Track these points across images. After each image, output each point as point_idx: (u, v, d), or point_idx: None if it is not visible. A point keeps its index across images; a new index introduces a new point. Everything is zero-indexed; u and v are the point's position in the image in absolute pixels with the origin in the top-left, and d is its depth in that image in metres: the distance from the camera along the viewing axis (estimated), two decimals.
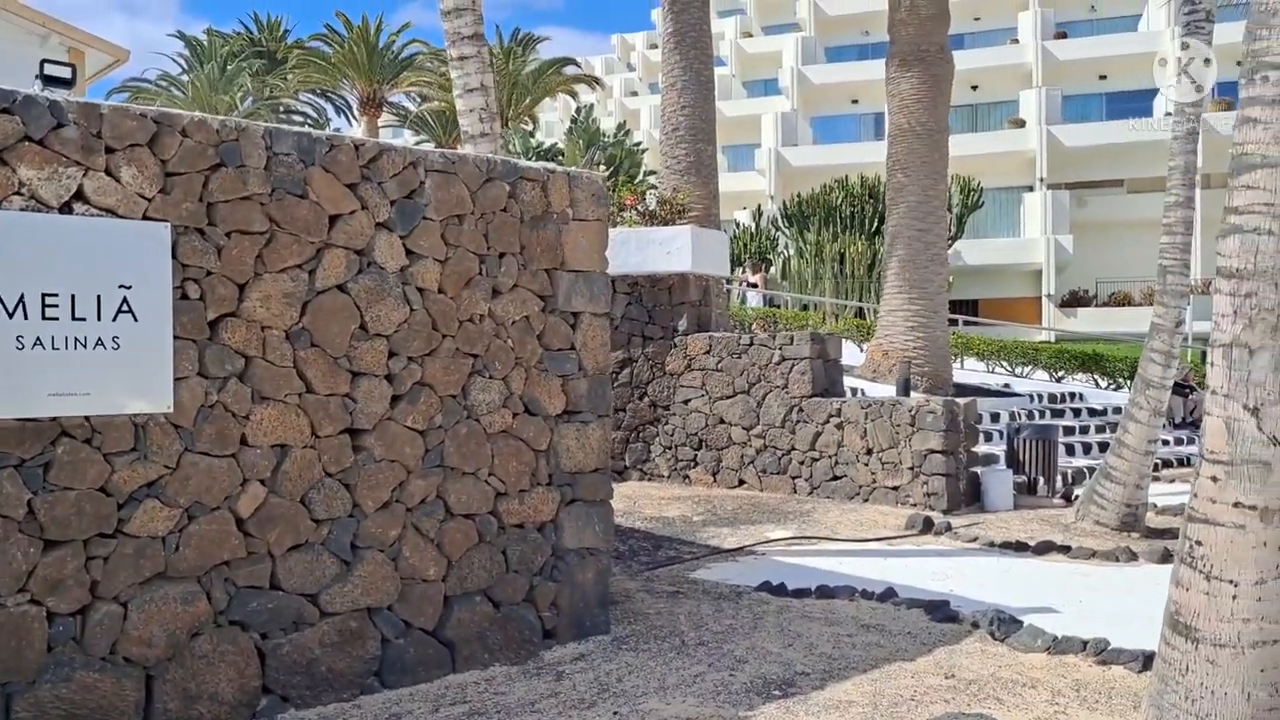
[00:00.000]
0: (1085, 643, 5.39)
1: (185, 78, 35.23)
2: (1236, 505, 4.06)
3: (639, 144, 31.99)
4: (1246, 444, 4.02)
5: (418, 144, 37.24)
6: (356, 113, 34.58)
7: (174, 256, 4.21)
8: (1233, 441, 4.04)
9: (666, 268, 11.73)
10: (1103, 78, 34.78)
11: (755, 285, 26.68)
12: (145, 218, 4.15)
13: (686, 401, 11.82)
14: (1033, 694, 4.80)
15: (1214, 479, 4.12)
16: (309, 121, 36.52)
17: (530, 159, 23.23)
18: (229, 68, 34.60)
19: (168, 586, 4.20)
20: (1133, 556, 7.96)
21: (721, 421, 11.60)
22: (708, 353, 11.69)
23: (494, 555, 5.26)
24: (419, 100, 35.44)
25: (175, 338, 4.21)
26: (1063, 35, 36.11)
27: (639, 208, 12.51)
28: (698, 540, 8.79)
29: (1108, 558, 7.99)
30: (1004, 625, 5.74)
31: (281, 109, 35.76)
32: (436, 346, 5.04)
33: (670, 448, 11.92)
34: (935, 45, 15.11)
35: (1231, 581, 4.07)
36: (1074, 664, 5.25)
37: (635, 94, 49.16)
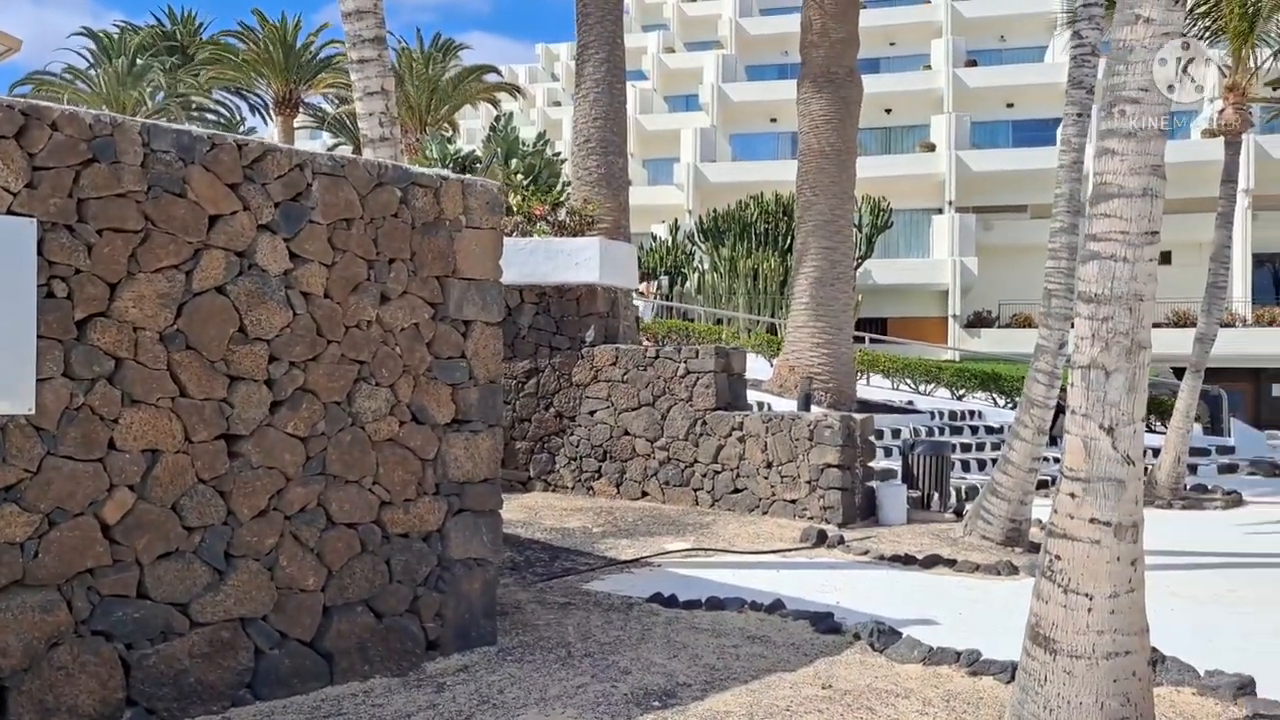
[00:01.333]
0: (959, 654, 5.54)
1: (93, 72, 34.10)
2: (1093, 521, 4.23)
3: (559, 154, 31.84)
4: (1102, 462, 4.19)
5: (334, 146, 36.68)
6: (272, 113, 33.86)
7: (40, 253, 4.08)
8: (1090, 460, 4.21)
9: (575, 279, 11.74)
10: (1010, 105, 35.94)
11: (643, 295, 26.95)
12: (10, 212, 4.02)
13: (592, 413, 11.84)
14: (905, 704, 4.91)
15: (1072, 495, 4.29)
16: (221, 120, 35.65)
17: (448, 165, 23.03)
18: (139, 62, 33.60)
19: (25, 594, 4.05)
20: (1014, 570, 8.21)
21: (626, 433, 11.64)
22: (614, 364, 11.73)
23: (377, 565, 5.20)
24: (337, 103, 34.88)
25: (39, 337, 4.07)
26: (973, 63, 37.22)
27: (549, 218, 12.50)
28: (596, 551, 8.79)
29: (990, 571, 8.23)
30: (884, 637, 5.86)
31: (193, 106, 34.85)
32: (321, 352, 4.96)
33: (575, 459, 11.91)
34: (845, 68, 15.46)
35: (1087, 595, 4.23)
36: (947, 675, 5.38)
37: (558, 104, 49.14)
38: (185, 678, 4.46)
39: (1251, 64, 13.34)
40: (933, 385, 20.13)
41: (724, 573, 8.10)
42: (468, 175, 5.61)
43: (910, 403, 18.72)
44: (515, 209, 12.86)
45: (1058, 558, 4.33)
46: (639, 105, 42.12)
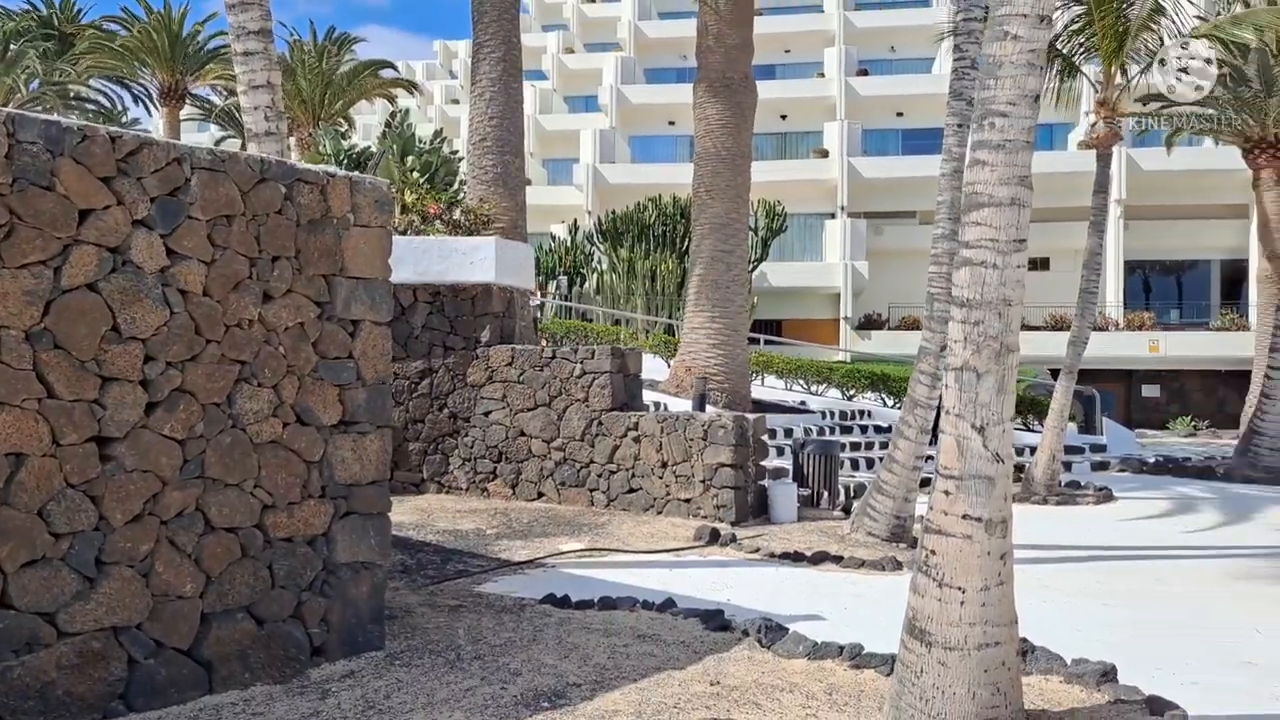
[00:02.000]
0: (842, 648, 5.69)
1: None
2: (965, 517, 4.40)
3: (456, 152, 31.55)
4: (974, 460, 4.36)
5: (222, 140, 35.54)
6: (157, 104, 32.63)
7: None
8: (962, 458, 4.38)
9: (470, 278, 11.65)
10: (900, 114, 36.98)
11: (542, 294, 27.02)
12: None
13: (487, 413, 11.76)
14: (789, 698, 5.03)
15: (946, 493, 4.45)
16: (101, 111, 34.17)
17: (342, 161, 22.55)
18: (12, 48, 31.96)
19: None
20: (898, 565, 8.46)
21: (522, 434, 11.59)
22: (510, 365, 11.67)
23: (259, 570, 5.07)
24: (226, 94, 33.79)
25: None
26: (864, 72, 38.17)
27: (444, 217, 12.37)
28: (489, 553, 8.74)
29: (875, 567, 8.46)
30: (771, 633, 5.98)
31: (72, 95, 33.32)
32: (199, 352, 4.82)
33: (470, 460, 11.81)
34: (740, 74, 15.69)
35: (960, 588, 4.40)
36: (830, 668, 5.52)
37: (456, 102, 48.57)
38: (52, 690, 4.29)
39: (1120, 80, 14.02)
40: (825, 386, 20.56)
41: (618, 573, 8.15)
42: (356, 172, 5.52)
43: (803, 403, 19.10)
44: (410, 207, 12.69)
45: (933, 553, 4.49)
46: (539, 105, 41.98)
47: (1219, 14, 26.17)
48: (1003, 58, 4.05)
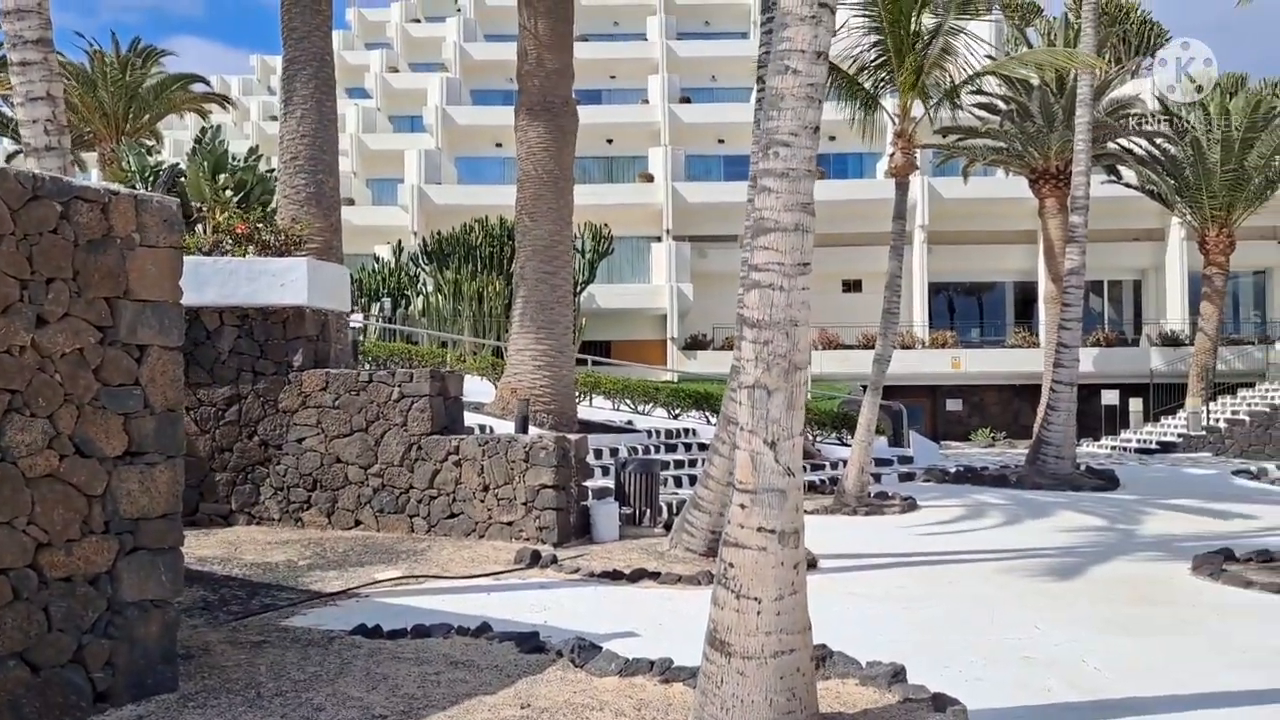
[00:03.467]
0: (653, 663, 5.79)
1: None
2: (760, 529, 4.57)
3: (273, 170, 30.45)
4: (767, 474, 4.54)
5: (14, 155, 33.05)
6: None
7: None
8: (756, 472, 4.55)
9: (281, 300, 11.25)
10: (721, 141, 38.10)
11: (364, 315, 26.49)
12: None
13: (301, 440, 11.36)
14: (599, 715, 5.07)
15: (742, 506, 4.61)
16: None
17: (147, 177, 21.36)
18: None
19: None
20: (712, 579, 8.64)
21: (338, 460, 11.26)
22: (325, 389, 11.33)
23: (33, 613, 4.74)
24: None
25: None
26: (687, 100, 39.18)
27: (254, 237, 11.90)
28: (300, 585, 8.44)
29: (691, 582, 8.65)
30: (585, 652, 6.02)
31: None
32: None
33: (282, 489, 11.37)
34: (561, 98, 15.82)
35: (756, 599, 4.56)
36: (641, 684, 5.60)
37: (274, 118, 46.90)
38: None
39: (917, 114, 14.94)
40: (651, 405, 20.87)
41: (435, 599, 8.02)
42: (142, 190, 5.27)
43: (630, 422, 19.32)
44: (221, 226, 12.16)
45: (731, 565, 4.64)
46: (362, 124, 41.07)
47: (1007, 54, 28.28)
48: (784, 90, 4.27)
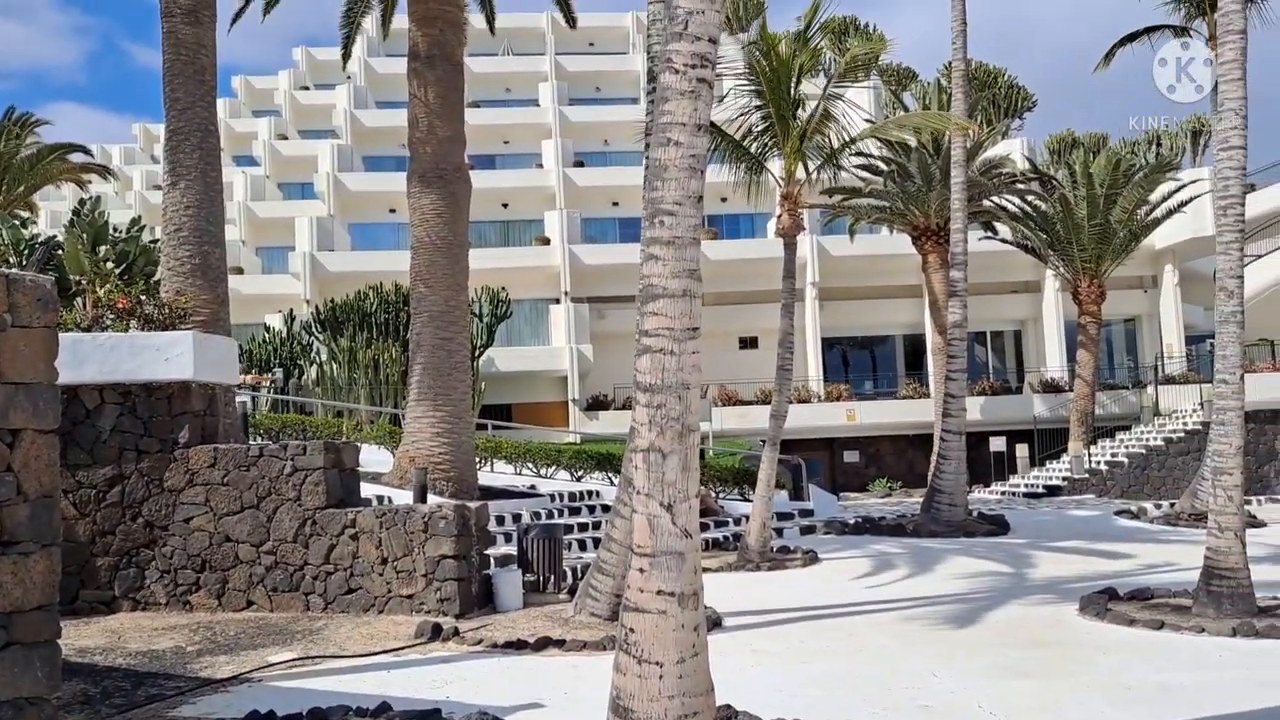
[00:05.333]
0: None
1: None
2: (659, 593, 4.60)
3: (156, 241, 29.61)
4: (665, 537, 4.58)
5: None
6: None
7: None
8: (654, 535, 4.59)
9: (165, 375, 10.90)
10: (615, 204, 38.62)
11: (256, 387, 25.80)
12: None
13: (188, 520, 10.95)
14: None
15: (641, 570, 4.63)
16: None
17: (22, 250, 20.56)
18: None
19: None
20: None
21: (228, 539, 10.88)
22: (213, 466, 10.97)
23: None
24: None
25: None
26: (580, 164, 39.68)
27: (136, 311, 11.55)
28: (189, 673, 8.08)
29: (598, 648, 8.58)
30: None
31: None
32: None
33: (169, 571, 10.91)
34: (453, 165, 15.88)
35: (658, 663, 4.57)
36: None
37: (158, 187, 45.71)
38: None
39: (801, 176, 15.44)
40: (554, 468, 20.75)
41: (332, 680, 7.78)
42: (14, 270, 5.10)
43: (532, 486, 19.17)
44: (100, 301, 11.76)
45: (632, 630, 4.64)
46: (250, 192, 40.36)
47: (886, 117, 29.52)
48: (667, 162, 4.40)
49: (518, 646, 8.71)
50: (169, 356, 10.81)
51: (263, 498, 10.86)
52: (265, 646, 9.05)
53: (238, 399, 15.07)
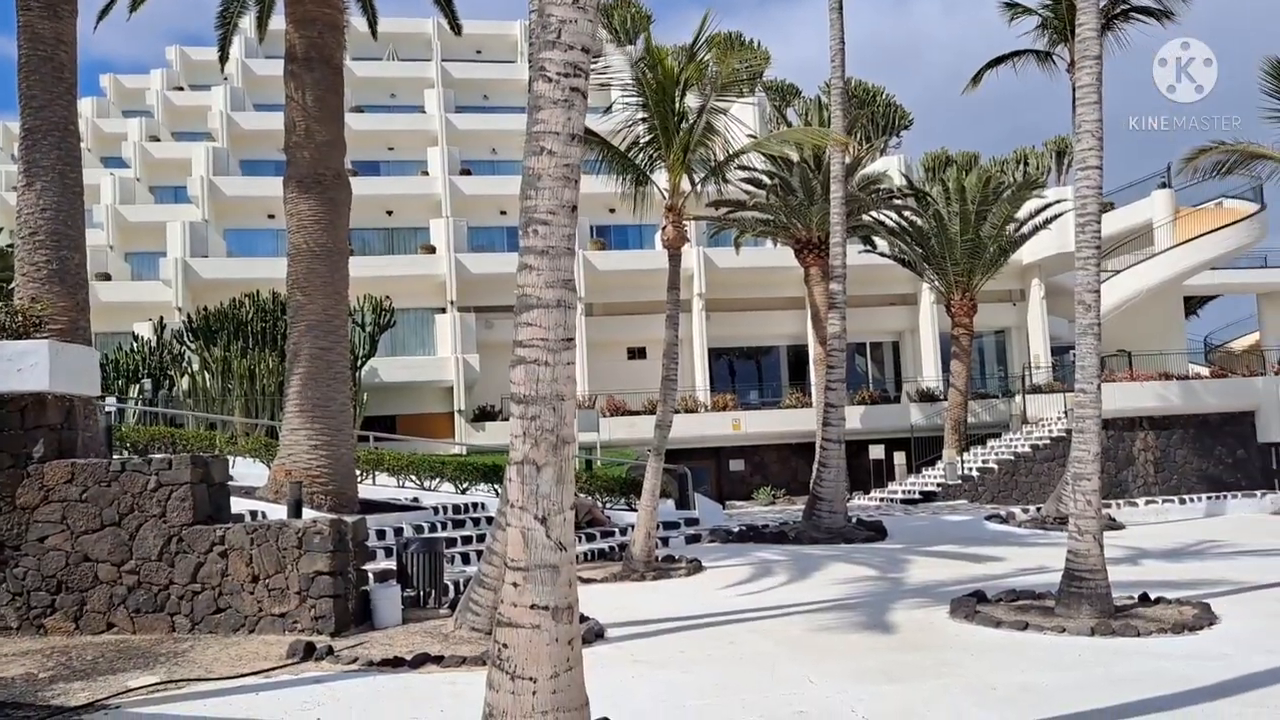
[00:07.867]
0: None
1: None
2: (533, 607, 4.54)
3: (11, 246, 27.97)
4: (539, 550, 4.52)
5: None
6: None
7: None
8: (528, 549, 4.53)
9: (18, 387, 10.30)
10: (503, 213, 38.27)
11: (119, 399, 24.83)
12: None
13: (43, 539, 10.36)
14: None
15: (515, 585, 4.56)
16: None
17: None
18: None
19: None
20: None
21: (87, 559, 10.33)
22: (70, 482, 10.41)
23: None
24: None
25: None
26: (467, 172, 39.22)
27: None
28: (40, 701, 7.62)
29: (477, 663, 8.42)
30: None
31: None
32: None
33: (21, 594, 10.30)
34: (332, 171, 15.50)
35: (532, 679, 4.51)
36: None
37: (15, 189, 43.33)
38: None
39: (686, 188, 15.59)
40: (438, 480, 20.40)
41: (197, 705, 7.46)
42: None
43: (415, 499, 18.80)
44: None
45: (505, 645, 4.57)
46: (120, 194, 38.63)
47: (769, 132, 30.11)
48: (541, 171, 4.36)
49: (394, 664, 8.50)
50: (21, 367, 10.23)
51: (125, 514, 10.35)
52: (126, 671, 8.60)
53: (102, 411, 14.35)
